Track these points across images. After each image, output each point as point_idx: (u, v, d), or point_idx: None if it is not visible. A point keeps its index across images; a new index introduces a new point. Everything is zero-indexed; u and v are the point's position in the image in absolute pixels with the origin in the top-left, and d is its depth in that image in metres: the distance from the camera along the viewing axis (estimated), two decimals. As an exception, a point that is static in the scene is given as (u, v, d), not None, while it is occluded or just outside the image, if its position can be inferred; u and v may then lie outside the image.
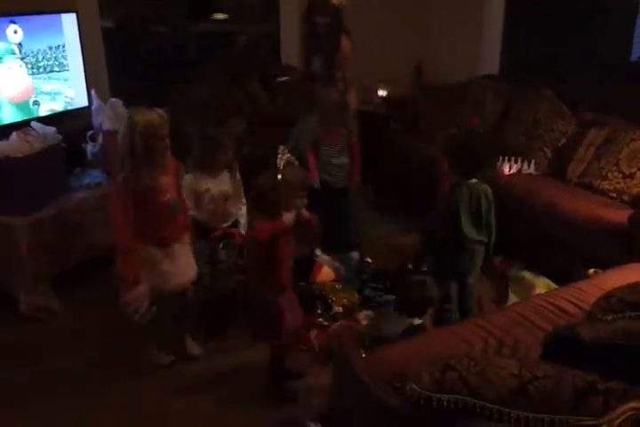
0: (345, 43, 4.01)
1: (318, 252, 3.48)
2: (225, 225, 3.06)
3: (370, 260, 3.57)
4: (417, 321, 2.45)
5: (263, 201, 2.43)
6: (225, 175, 3.05)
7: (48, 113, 3.79)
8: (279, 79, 4.37)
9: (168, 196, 2.50)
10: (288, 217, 2.56)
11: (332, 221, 3.39)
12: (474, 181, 2.71)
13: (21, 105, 3.57)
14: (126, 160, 2.37)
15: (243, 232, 3.03)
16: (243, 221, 3.11)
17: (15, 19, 3.52)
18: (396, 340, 2.23)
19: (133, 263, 2.44)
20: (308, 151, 3.45)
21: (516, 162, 3.95)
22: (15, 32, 3.42)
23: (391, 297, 3.22)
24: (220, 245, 2.99)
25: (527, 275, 3.33)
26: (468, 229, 2.69)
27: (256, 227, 2.50)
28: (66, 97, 3.95)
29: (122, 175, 2.40)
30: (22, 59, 3.52)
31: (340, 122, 3.42)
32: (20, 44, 3.47)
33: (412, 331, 2.39)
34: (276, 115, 4.52)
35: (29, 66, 3.66)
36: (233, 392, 2.64)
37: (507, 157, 3.96)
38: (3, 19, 3.40)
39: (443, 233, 2.74)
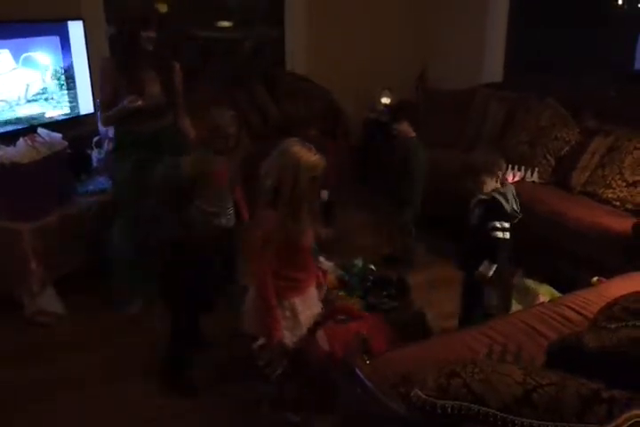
0: (175, 62, 3.34)
1: (322, 259, 3.48)
2: None
3: (373, 267, 3.57)
4: None
5: None
6: None
7: (54, 119, 3.82)
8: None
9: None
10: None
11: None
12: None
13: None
14: (284, 200, 2.12)
15: None
16: None
17: (22, 26, 3.56)
18: None
19: (277, 319, 2.23)
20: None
21: (519, 170, 3.96)
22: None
23: (395, 304, 3.22)
24: None
25: (530, 283, 3.32)
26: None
27: None
28: (72, 103, 3.97)
29: (271, 216, 2.13)
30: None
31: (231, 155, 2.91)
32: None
33: None
34: (282, 120, 4.55)
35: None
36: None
37: (510, 166, 3.96)
38: None
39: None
